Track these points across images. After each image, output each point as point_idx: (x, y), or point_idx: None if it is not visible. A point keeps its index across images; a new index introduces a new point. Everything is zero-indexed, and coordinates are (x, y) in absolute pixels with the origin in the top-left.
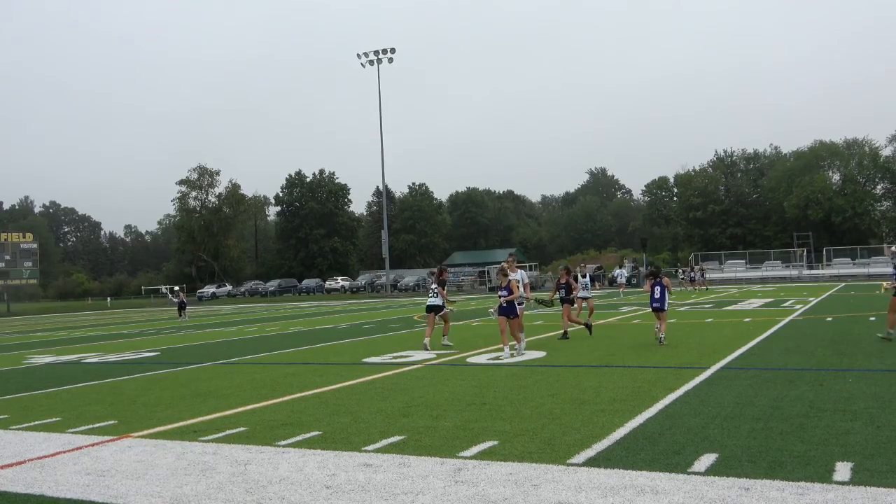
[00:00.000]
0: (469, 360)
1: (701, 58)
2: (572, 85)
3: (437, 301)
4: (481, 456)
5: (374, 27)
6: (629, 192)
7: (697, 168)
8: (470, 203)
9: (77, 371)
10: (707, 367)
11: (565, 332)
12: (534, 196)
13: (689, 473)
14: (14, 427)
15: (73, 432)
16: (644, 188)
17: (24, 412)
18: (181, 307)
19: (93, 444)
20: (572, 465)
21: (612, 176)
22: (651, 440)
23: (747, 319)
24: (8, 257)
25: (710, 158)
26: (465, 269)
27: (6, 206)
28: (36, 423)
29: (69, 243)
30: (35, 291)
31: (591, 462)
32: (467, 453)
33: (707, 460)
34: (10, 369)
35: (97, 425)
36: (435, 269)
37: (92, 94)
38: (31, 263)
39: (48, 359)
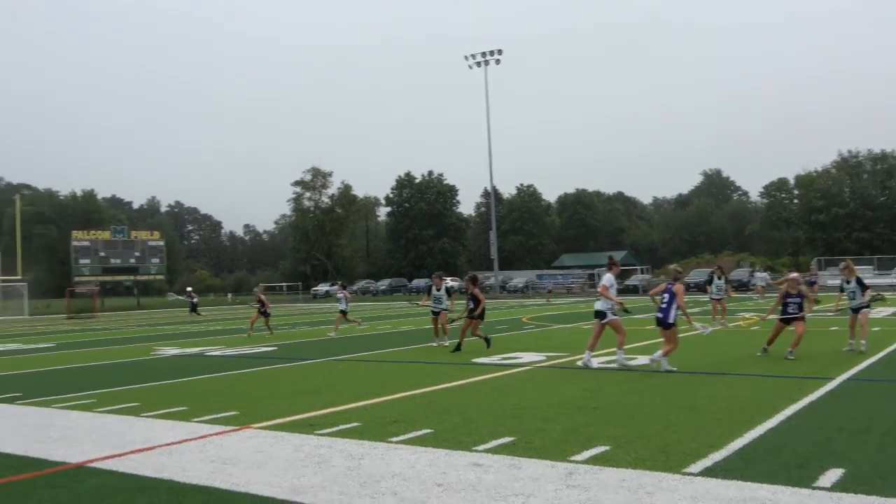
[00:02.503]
0: (579, 363)
1: (825, 56)
2: (686, 85)
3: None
4: (593, 461)
5: (484, 25)
6: (745, 193)
7: (819, 169)
8: (579, 204)
9: (201, 363)
10: (832, 377)
11: (459, 345)
12: (645, 198)
13: (813, 488)
14: (144, 414)
15: (197, 421)
16: (762, 190)
17: (153, 401)
18: (193, 307)
19: (216, 434)
20: (688, 474)
21: (728, 177)
22: (772, 452)
23: (876, 329)
24: (137, 254)
25: (833, 159)
26: (575, 271)
27: (135, 206)
28: (164, 411)
29: (192, 241)
30: (162, 287)
31: (708, 472)
32: (579, 457)
33: (833, 475)
34: (139, 360)
35: (220, 415)
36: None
37: (212, 99)
38: (158, 260)
39: (174, 351)
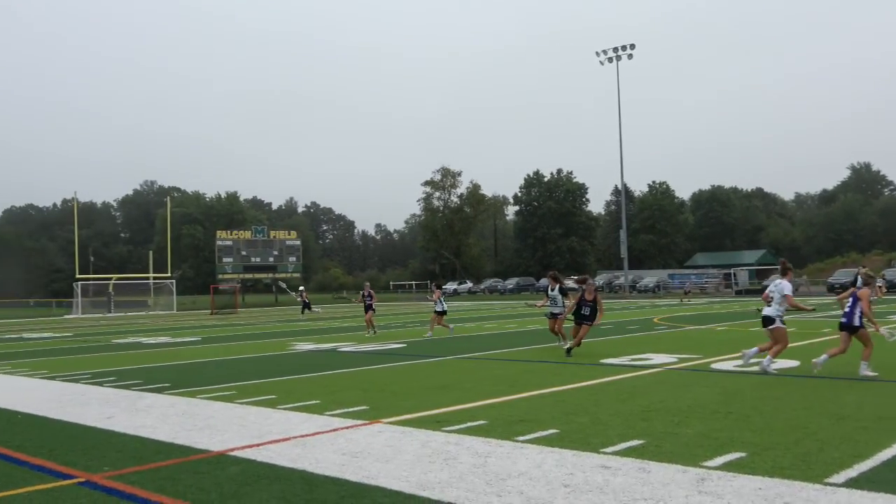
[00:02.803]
0: (713, 365)
1: None
2: (832, 72)
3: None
4: (727, 467)
5: (616, 20)
6: None
7: None
8: (714, 202)
9: (334, 359)
10: None
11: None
12: (786, 194)
13: None
14: (280, 406)
15: (329, 415)
16: None
17: (288, 394)
18: (305, 306)
19: (347, 427)
20: (830, 484)
21: (879, 171)
22: None
23: None
24: (276, 253)
25: None
26: (709, 270)
27: (275, 206)
28: (298, 404)
29: (327, 241)
30: (298, 284)
31: (853, 483)
32: (711, 463)
33: None
34: (277, 354)
35: (351, 410)
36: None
37: (344, 103)
38: (295, 259)
39: (309, 346)
